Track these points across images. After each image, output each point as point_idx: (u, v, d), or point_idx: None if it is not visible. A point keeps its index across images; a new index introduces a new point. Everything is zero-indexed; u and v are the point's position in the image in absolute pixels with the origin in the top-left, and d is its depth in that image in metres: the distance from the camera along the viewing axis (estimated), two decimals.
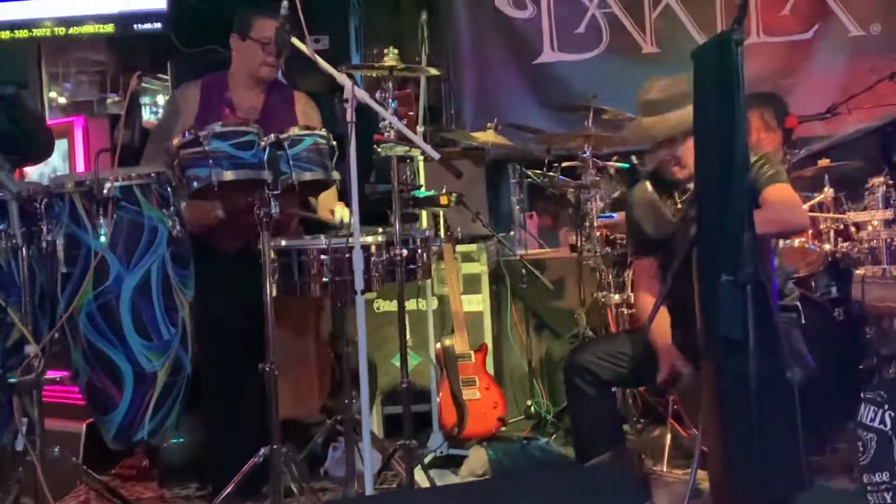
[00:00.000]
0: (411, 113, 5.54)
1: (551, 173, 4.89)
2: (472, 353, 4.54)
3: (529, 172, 5.19)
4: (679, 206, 3.44)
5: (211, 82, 3.84)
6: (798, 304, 3.55)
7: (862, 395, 2.84)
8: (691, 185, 3.32)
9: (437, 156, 3.25)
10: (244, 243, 3.51)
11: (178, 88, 3.93)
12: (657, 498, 3.72)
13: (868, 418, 2.71)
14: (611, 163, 5.05)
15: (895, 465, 2.64)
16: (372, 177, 4.98)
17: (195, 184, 3.10)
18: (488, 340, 4.82)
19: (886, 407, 2.67)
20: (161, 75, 6.04)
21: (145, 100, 6.23)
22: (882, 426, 2.67)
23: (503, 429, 4.61)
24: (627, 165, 5.13)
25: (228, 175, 3.09)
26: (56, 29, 5.40)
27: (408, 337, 4.79)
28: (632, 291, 4.29)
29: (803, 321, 3.61)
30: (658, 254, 3.53)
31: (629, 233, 3.78)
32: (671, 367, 3.32)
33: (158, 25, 5.12)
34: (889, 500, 2.63)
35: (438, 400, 4.47)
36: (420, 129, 4.42)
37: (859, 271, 4.06)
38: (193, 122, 3.62)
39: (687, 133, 3.19)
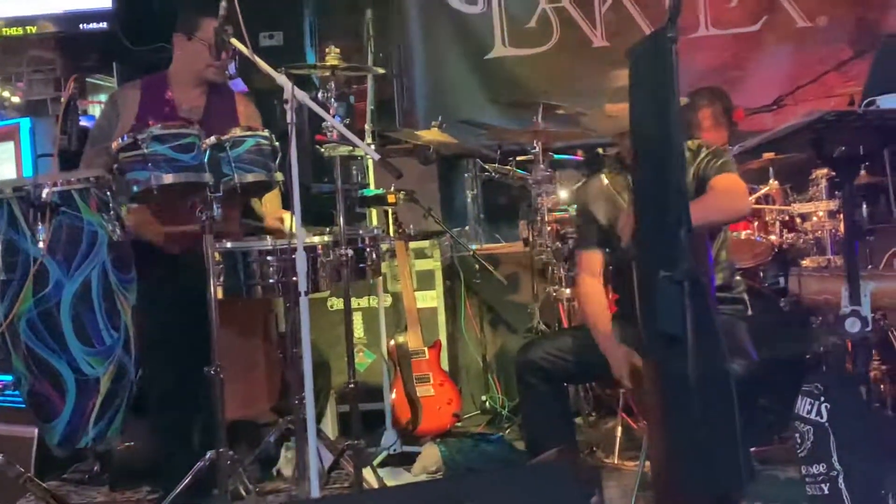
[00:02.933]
0: (372, 107, 5.54)
1: (507, 167, 4.90)
2: (425, 349, 4.55)
3: (486, 166, 5.20)
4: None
5: (151, 83, 3.76)
6: (745, 296, 3.58)
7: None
8: None
9: (376, 157, 3.25)
10: (189, 245, 3.47)
11: (118, 90, 3.88)
12: (608, 490, 3.75)
13: (805, 410, 2.73)
14: (565, 156, 5.08)
15: (832, 456, 2.67)
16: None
17: (135, 187, 3.07)
18: (443, 336, 4.83)
19: (823, 399, 2.69)
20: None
21: (101, 97, 6.17)
22: (819, 418, 2.70)
23: (458, 424, 4.64)
24: (581, 159, 5.17)
25: (168, 178, 3.07)
26: (5, 29, 5.34)
27: (361, 335, 4.82)
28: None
29: (750, 312, 3.65)
30: (604, 248, 3.56)
31: (578, 226, 3.80)
32: (630, 365, 3.34)
33: (104, 25, 5.07)
34: (826, 492, 2.66)
35: (392, 397, 4.48)
36: (368, 126, 4.42)
37: (804, 262, 4.11)
38: (133, 123, 3.58)
39: None
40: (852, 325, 2.74)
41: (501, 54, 6.06)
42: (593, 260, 3.60)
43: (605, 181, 3.58)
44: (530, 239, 4.79)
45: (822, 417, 2.70)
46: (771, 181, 4.29)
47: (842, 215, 3.92)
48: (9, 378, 3.21)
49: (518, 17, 6.03)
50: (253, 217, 3.90)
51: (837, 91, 5.10)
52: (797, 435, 2.77)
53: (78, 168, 3.58)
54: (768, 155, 4.25)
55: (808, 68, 5.39)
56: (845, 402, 2.73)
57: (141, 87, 3.75)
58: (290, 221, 3.70)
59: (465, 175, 5.80)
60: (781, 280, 4.48)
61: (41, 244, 2.94)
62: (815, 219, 4.19)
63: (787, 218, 4.30)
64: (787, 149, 3.91)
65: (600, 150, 5.00)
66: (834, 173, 4.01)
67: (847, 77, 5.17)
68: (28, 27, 5.34)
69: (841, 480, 2.65)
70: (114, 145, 3.12)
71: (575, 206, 4.22)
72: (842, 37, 5.63)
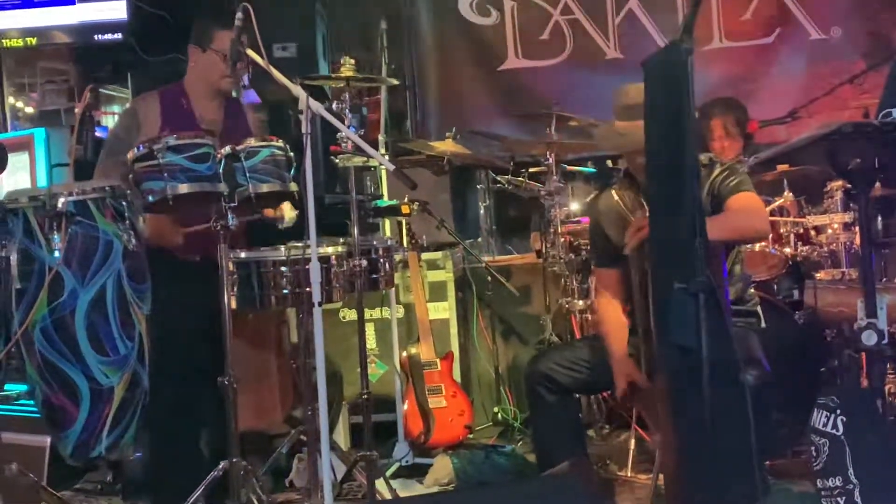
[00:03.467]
0: (386, 118, 5.55)
1: (520, 178, 4.90)
2: (438, 360, 4.55)
3: (498, 178, 5.20)
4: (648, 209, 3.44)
5: (169, 94, 3.76)
6: (758, 309, 3.56)
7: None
8: None
9: (391, 167, 3.25)
10: (204, 254, 3.47)
11: (136, 100, 3.86)
12: (622, 503, 3.74)
13: (821, 423, 2.72)
14: (579, 168, 5.08)
15: (848, 469, 2.66)
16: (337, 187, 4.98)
17: (150, 197, 3.08)
18: (455, 348, 4.82)
19: (839, 412, 2.69)
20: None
21: (114, 108, 6.20)
22: (835, 431, 2.69)
23: (470, 436, 4.63)
24: (594, 170, 5.16)
25: (183, 188, 3.07)
26: (26, 39, 5.38)
27: (374, 346, 4.82)
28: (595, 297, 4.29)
29: (763, 325, 3.64)
30: (621, 264, 3.54)
31: (593, 242, 3.78)
32: (627, 381, 3.33)
33: (119, 36, 5.10)
34: None
35: (404, 408, 4.47)
36: (382, 137, 4.43)
37: (818, 275, 4.09)
38: (158, 134, 3.59)
39: None
40: (869, 338, 2.73)
41: (514, 66, 6.07)
42: (610, 277, 3.58)
43: (615, 197, 3.56)
44: (543, 250, 4.79)
45: (838, 430, 2.69)
46: (785, 193, 4.28)
47: (857, 228, 3.90)
48: (22, 387, 3.20)
49: (531, 28, 6.04)
50: None
51: (851, 104, 5.09)
52: (813, 448, 2.76)
53: (92, 178, 3.58)
54: (783, 167, 4.24)
55: (822, 81, 5.39)
56: (861, 416, 2.72)
57: (160, 99, 3.73)
58: (289, 213, 3.71)
59: (478, 187, 5.81)
60: (796, 292, 4.47)
61: (57, 253, 2.94)
62: (829, 231, 4.16)
63: (801, 230, 4.28)
64: (803, 160, 3.89)
65: (609, 163, 5.00)
66: (849, 185, 4.00)
67: (861, 90, 5.15)
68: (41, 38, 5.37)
69: (857, 494, 2.64)
70: (129, 155, 3.13)
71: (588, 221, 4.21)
72: (856, 49, 5.63)
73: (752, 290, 3.73)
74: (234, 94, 3.82)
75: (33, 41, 5.22)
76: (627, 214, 3.47)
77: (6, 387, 3.15)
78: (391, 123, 5.64)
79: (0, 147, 3.30)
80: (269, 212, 3.68)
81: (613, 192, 3.57)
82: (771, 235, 4.22)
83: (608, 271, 3.59)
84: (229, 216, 3.21)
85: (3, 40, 5.24)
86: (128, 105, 4.13)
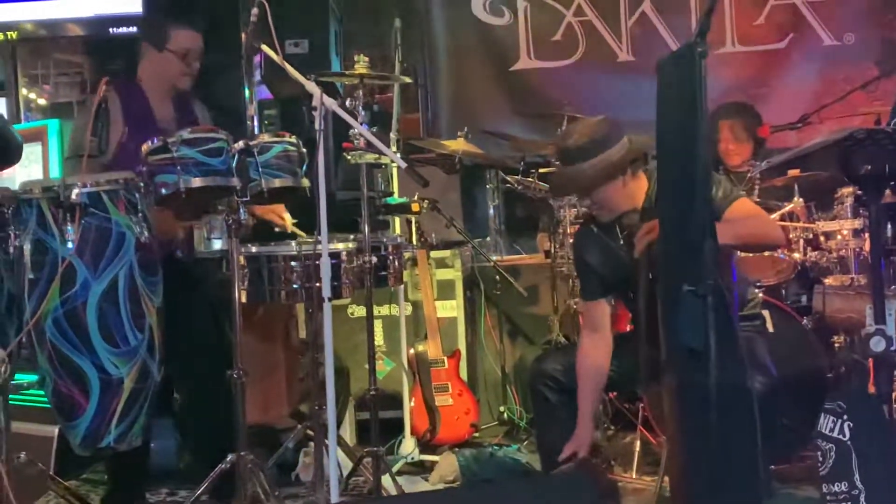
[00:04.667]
0: (398, 117, 5.56)
1: (529, 179, 4.91)
2: (445, 358, 4.56)
3: (507, 178, 5.21)
4: (622, 241, 3.41)
5: (125, 89, 3.70)
6: (761, 312, 3.56)
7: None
8: (628, 219, 3.34)
9: (403, 164, 3.27)
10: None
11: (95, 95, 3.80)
12: None
13: (827, 428, 2.72)
14: None
15: (854, 475, 2.66)
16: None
17: (163, 190, 3.09)
18: (462, 346, 4.84)
19: (845, 417, 2.69)
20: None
21: None
22: (841, 436, 2.69)
23: (476, 435, 4.64)
24: None
25: (197, 182, 3.08)
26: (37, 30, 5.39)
27: (381, 343, 4.84)
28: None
29: (771, 330, 3.64)
30: (608, 296, 3.53)
31: (580, 276, 3.71)
32: (577, 447, 3.34)
33: (133, 29, 5.10)
34: None
35: (411, 406, 4.49)
36: (393, 135, 4.44)
37: (827, 280, 4.09)
38: (123, 130, 3.59)
39: (607, 177, 3.24)
40: (877, 344, 2.73)
41: (526, 66, 6.08)
42: (597, 312, 3.52)
43: (595, 229, 3.51)
44: (552, 251, 4.80)
45: (844, 436, 2.69)
46: (795, 198, 4.28)
47: (867, 234, 3.91)
48: (32, 377, 3.22)
49: (544, 29, 6.05)
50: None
51: (863, 110, 5.08)
52: (819, 453, 2.76)
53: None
54: (793, 172, 4.24)
55: (834, 87, 5.40)
56: (868, 421, 2.72)
57: (119, 95, 3.67)
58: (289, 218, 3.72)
59: (488, 186, 5.82)
60: (804, 298, 4.48)
61: (70, 244, 2.96)
62: (839, 237, 4.16)
63: (811, 236, 4.28)
64: (814, 166, 3.90)
65: None
66: (860, 192, 4.01)
67: (873, 96, 5.17)
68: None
69: (862, 499, 2.64)
70: (143, 148, 3.15)
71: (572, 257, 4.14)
72: (868, 56, 5.63)
73: (758, 293, 3.73)
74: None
75: (14, 35, 5.22)
76: (610, 243, 3.44)
77: (16, 376, 3.16)
78: (403, 122, 5.64)
79: (15, 140, 3.32)
80: (275, 218, 3.69)
81: (592, 225, 3.54)
82: None
83: (597, 305, 3.53)
84: (241, 211, 3.22)
85: (8, 32, 5.24)
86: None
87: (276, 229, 3.67)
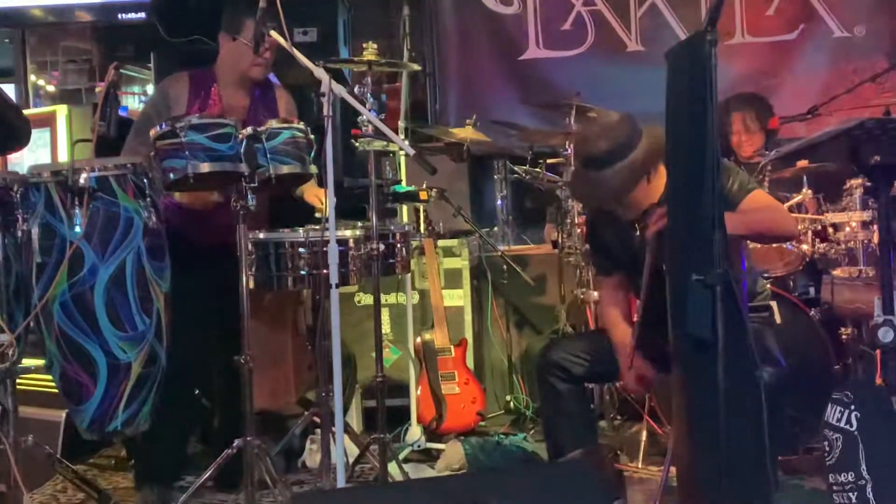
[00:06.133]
0: (406, 105, 5.56)
1: (537, 169, 4.90)
2: (451, 347, 4.57)
3: (515, 168, 5.20)
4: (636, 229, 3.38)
5: (198, 78, 3.75)
6: (769, 303, 3.55)
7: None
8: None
9: (411, 151, 3.26)
10: (220, 241, 3.47)
11: (166, 81, 3.83)
12: (632, 495, 3.74)
13: (834, 418, 2.72)
14: None
15: (861, 465, 2.66)
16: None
17: (171, 175, 3.09)
18: (469, 335, 4.83)
19: (853, 407, 2.69)
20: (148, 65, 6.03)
21: (134, 88, 6.23)
22: (848, 426, 2.69)
23: (482, 424, 4.65)
24: None
25: (205, 167, 3.09)
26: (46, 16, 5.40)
27: (388, 331, 4.84)
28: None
29: (778, 321, 3.63)
30: (624, 271, 3.51)
31: (592, 251, 3.73)
32: (637, 375, 3.33)
33: (142, 15, 5.11)
34: (854, 500, 2.65)
35: (417, 394, 4.50)
36: (402, 124, 4.43)
37: (836, 272, 4.08)
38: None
39: (633, 181, 3.18)
40: (885, 335, 2.73)
41: (535, 55, 6.06)
42: (613, 286, 3.55)
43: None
44: (559, 241, 4.79)
45: (851, 426, 2.69)
46: (804, 190, 4.26)
47: (875, 226, 3.89)
48: (40, 361, 3.24)
49: (553, 18, 6.03)
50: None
51: (873, 102, 5.05)
52: (826, 443, 2.76)
53: (118, 156, 3.58)
54: (802, 163, 4.22)
55: (844, 78, 5.37)
56: (875, 411, 2.72)
57: (189, 81, 3.73)
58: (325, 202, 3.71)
59: (496, 176, 5.80)
60: (812, 289, 4.47)
61: (78, 228, 2.97)
62: (847, 229, 4.15)
63: (819, 227, 4.27)
64: (823, 156, 3.88)
65: None
66: (869, 183, 3.99)
67: (883, 88, 5.14)
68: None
69: (869, 489, 2.64)
70: (152, 132, 3.15)
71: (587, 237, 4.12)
72: (879, 48, 5.61)
73: (766, 284, 3.72)
74: (269, 77, 3.83)
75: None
76: (623, 223, 3.43)
77: (24, 360, 3.17)
78: (411, 111, 5.63)
79: (25, 122, 3.33)
80: (316, 202, 3.67)
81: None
82: None
83: (611, 280, 3.55)
84: (249, 196, 3.23)
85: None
86: (160, 85, 4.10)
87: (317, 214, 3.66)
